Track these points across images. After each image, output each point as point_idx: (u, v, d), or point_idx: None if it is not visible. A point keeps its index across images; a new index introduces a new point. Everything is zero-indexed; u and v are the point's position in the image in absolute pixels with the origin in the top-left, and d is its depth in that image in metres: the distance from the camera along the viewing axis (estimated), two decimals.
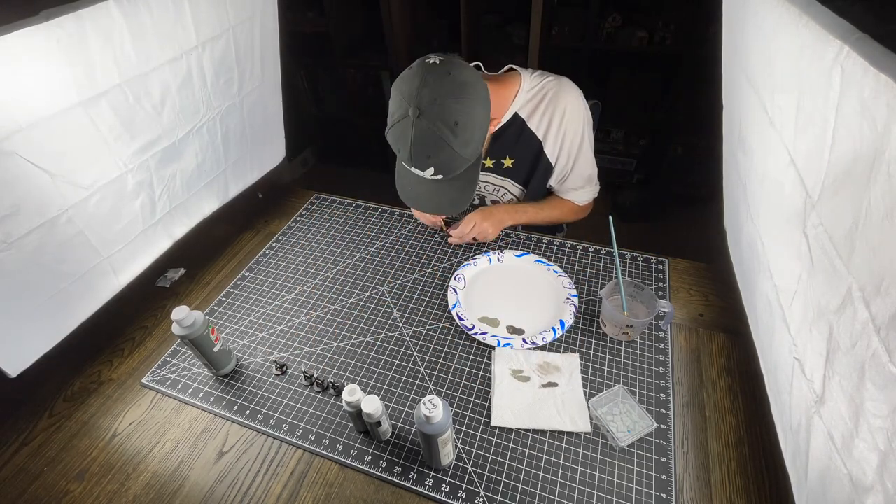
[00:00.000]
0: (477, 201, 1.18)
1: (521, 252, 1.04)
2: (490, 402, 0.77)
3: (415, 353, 0.87)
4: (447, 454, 0.68)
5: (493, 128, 0.99)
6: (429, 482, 0.69)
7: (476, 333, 0.87)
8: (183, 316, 0.74)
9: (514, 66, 1.01)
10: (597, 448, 0.71)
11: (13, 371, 0.77)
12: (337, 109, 2.73)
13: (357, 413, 0.70)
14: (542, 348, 0.85)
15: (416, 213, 1.13)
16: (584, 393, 0.77)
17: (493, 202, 1.16)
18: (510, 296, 0.95)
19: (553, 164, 1.04)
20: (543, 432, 0.74)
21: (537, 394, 0.77)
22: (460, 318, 0.90)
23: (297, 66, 2.59)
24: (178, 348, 0.91)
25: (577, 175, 1.06)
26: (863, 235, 0.38)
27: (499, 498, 0.67)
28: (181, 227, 1.05)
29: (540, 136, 1.01)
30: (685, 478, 0.68)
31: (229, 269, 1.10)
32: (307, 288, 1.02)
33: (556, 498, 0.66)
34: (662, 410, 0.75)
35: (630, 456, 0.70)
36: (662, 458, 0.70)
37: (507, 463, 0.71)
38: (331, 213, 1.22)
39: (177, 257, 1.07)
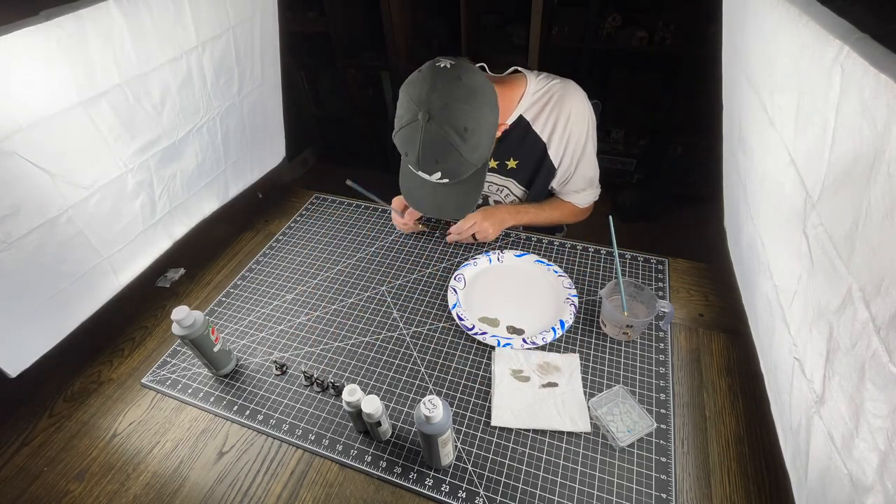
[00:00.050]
0: (480, 201, 1.18)
1: (521, 252, 1.04)
2: (490, 402, 0.77)
3: (415, 353, 0.87)
4: (447, 454, 0.68)
5: (499, 132, 0.99)
6: (429, 482, 0.69)
7: (476, 333, 0.87)
8: (183, 316, 0.74)
9: (518, 68, 1.01)
10: (597, 448, 0.71)
11: (13, 371, 0.77)
12: (337, 109, 2.73)
13: (357, 413, 0.70)
14: (542, 348, 0.85)
15: (395, 219, 1.11)
16: (584, 393, 0.77)
17: (496, 202, 1.16)
18: (510, 296, 0.95)
19: (556, 166, 1.05)
20: (543, 432, 0.74)
21: (537, 394, 0.77)
22: (460, 318, 0.90)
23: (297, 66, 2.59)
24: (178, 348, 0.91)
25: (579, 178, 1.07)
26: (863, 235, 0.38)
27: (499, 498, 0.67)
28: (181, 227, 1.05)
29: (544, 139, 1.01)
30: (685, 478, 0.68)
31: (229, 269, 1.10)
32: (307, 288, 1.02)
33: (556, 498, 0.66)
34: (662, 410, 0.75)
35: (630, 456, 0.70)
36: (662, 458, 0.70)
37: (507, 463, 0.71)
38: (331, 213, 1.22)
39: (177, 257, 1.07)
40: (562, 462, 0.70)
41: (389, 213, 1.20)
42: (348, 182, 0.98)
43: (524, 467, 0.70)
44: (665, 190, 2.33)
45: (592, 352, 0.84)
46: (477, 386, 0.81)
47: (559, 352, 0.84)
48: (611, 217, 0.85)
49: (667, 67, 2.09)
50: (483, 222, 1.03)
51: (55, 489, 0.73)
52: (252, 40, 1.03)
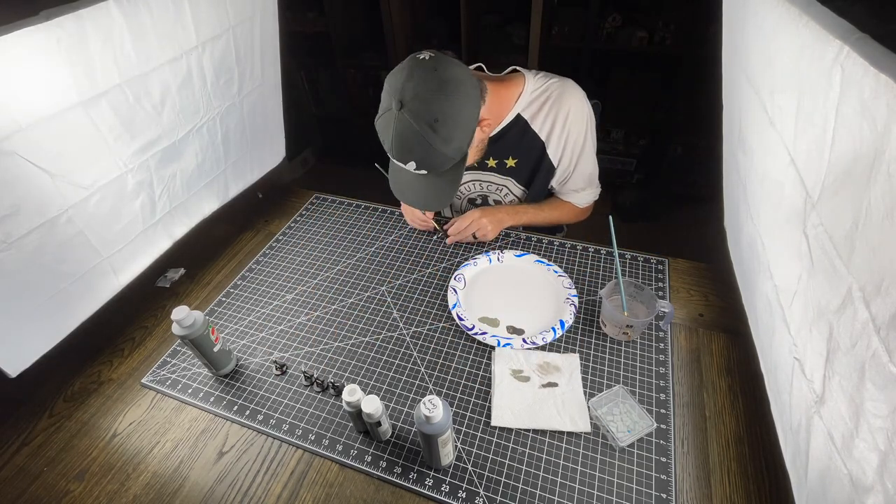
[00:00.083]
0: (479, 201, 1.18)
1: (521, 252, 1.04)
2: (490, 402, 0.77)
3: (415, 353, 0.87)
4: (447, 454, 0.68)
5: (492, 129, 0.98)
6: (429, 482, 0.69)
7: (476, 333, 0.87)
8: (183, 316, 0.74)
9: (517, 68, 1.01)
10: (597, 448, 0.71)
11: (13, 371, 0.77)
12: (337, 109, 2.73)
13: (357, 413, 0.70)
14: (542, 348, 0.85)
15: (407, 216, 1.13)
16: (584, 393, 0.77)
17: (496, 202, 1.16)
18: (510, 296, 0.95)
19: (555, 165, 1.05)
20: (543, 432, 0.74)
21: (537, 394, 0.77)
22: (460, 318, 0.90)
23: (297, 66, 2.59)
24: (178, 348, 0.91)
25: (578, 176, 1.06)
26: (863, 235, 0.38)
27: (499, 498, 0.67)
28: (181, 227, 1.05)
29: (543, 138, 1.01)
30: (685, 478, 0.68)
31: (229, 269, 1.10)
32: (307, 288, 1.02)
33: (556, 498, 0.66)
34: (662, 410, 0.75)
35: (630, 456, 0.70)
36: (662, 458, 0.70)
37: (507, 463, 0.71)
38: (331, 213, 1.22)
39: (177, 257, 1.07)
40: (562, 462, 0.70)
41: (389, 213, 1.20)
42: (377, 165, 0.99)
43: (524, 467, 0.70)
44: (665, 190, 2.33)
45: (592, 352, 0.84)
46: (477, 386, 0.81)
47: (559, 352, 0.84)
48: (611, 217, 0.85)
49: (667, 67, 2.09)
50: (482, 219, 1.03)
51: (55, 489, 0.73)
52: (252, 40, 1.03)
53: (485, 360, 0.84)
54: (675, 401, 0.77)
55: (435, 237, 1.11)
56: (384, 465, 0.72)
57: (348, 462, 0.72)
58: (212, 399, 0.82)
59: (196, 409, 0.82)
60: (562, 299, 0.92)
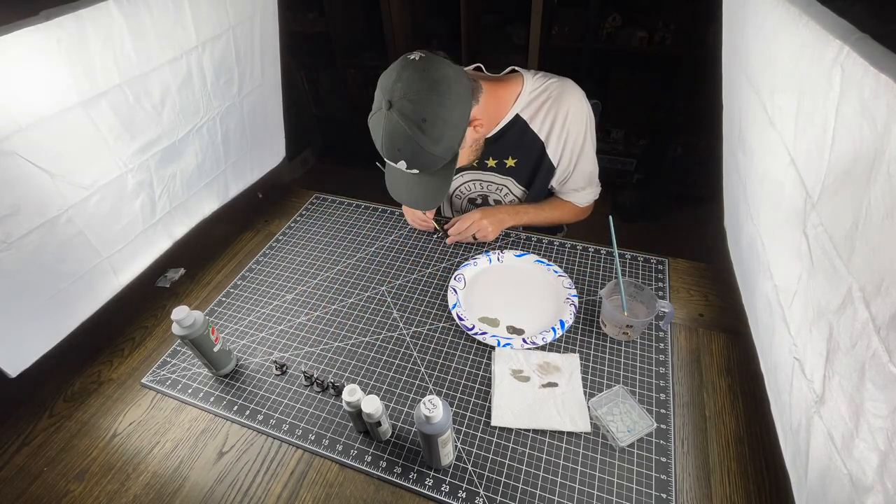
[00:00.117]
0: (479, 201, 1.18)
1: (521, 252, 1.04)
2: (490, 402, 0.77)
3: (415, 353, 0.87)
4: (447, 454, 0.68)
5: (488, 131, 0.98)
6: (429, 482, 0.69)
7: (476, 333, 0.87)
8: (183, 316, 0.74)
9: (516, 68, 1.01)
10: (597, 448, 0.71)
11: (13, 371, 0.77)
12: (337, 109, 2.73)
13: (357, 413, 0.70)
14: (542, 348, 0.85)
15: (408, 216, 1.13)
16: (584, 393, 0.77)
17: (496, 202, 1.16)
18: (510, 296, 0.95)
19: (555, 165, 1.05)
20: (543, 432, 0.74)
21: (537, 394, 0.77)
22: (460, 318, 0.90)
23: (297, 66, 2.59)
24: (178, 348, 0.91)
25: (578, 176, 1.07)
26: (863, 235, 0.38)
27: (499, 498, 0.67)
28: (181, 227, 1.05)
29: (542, 138, 1.01)
30: (685, 478, 0.68)
31: (229, 269, 1.10)
32: (307, 288, 1.02)
33: (556, 498, 0.66)
34: (662, 410, 0.75)
35: (630, 456, 0.70)
36: (662, 458, 0.70)
37: (507, 463, 0.71)
38: (331, 213, 1.22)
39: (177, 257, 1.07)
40: (562, 462, 0.70)
41: (389, 213, 1.20)
42: (378, 164, 0.99)
43: (524, 467, 0.70)
44: (665, 190, 2.33)
45: (592, 352, 0.84)
46: (477, 386, 0.81)
47: (559, 352, 0.84)
48: (611, 217, 0.85)
49: (667, 67, 2.09)
50: (482, 220, 1.03)
51: (55, 489, 0.73)
52: (252, 40, 1.03)
53: (485, 360, 0.84)
54: (675, 401, 0.77)
55: (435, 237, 1.11)
56: (384, 465, 0.72)
57: (348, 462, 0.72)
58: (212, 399, 0.82)
59: (196, 409, 0.82)
60: (562, 299, 0.92)
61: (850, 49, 0.37)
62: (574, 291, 0.93)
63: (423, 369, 0.84)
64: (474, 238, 1.06)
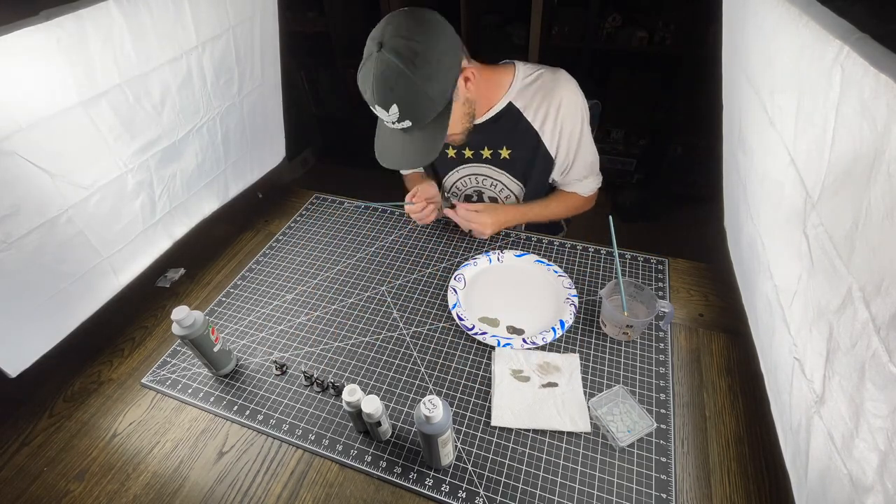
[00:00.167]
0: (475, 198, 1.18)
1: (521, 252, 1.04)
2: (490, 402, 0.77)
3: (415, 353, 0.87)
4: (447, 454, 0.68)
5: (482, 113, 0.98)
6: (429, 482, 0.69)
7: (476, 333, 0.87)
8: (183, 316, 0.74)
9: (510, 60, 1.02)
10: (597, 448, 0.71)
11: (13, 371, 0.77)
12: (337, 109, 2.73)
13: (357, 413, 0.70)
14: (542, 348, 0.85)
15: (407, 209, 1.08)
16: (584, 393, 0.77)
17: (492, 199, 1.16)
18: (510, 296, 0.95)
19: (553, 156, 1.05)
20: (543, 432, 0.74)
21: (537, 394, 0.77)
22: (460, 318, 0.90)
23: (297, 66, 2.59)
24: (178, 348, 0.91)
25: (580, 166, 1.07)
26: (863, 235, 0.38)
27: (499, 498, 0.67)
28: (181, 227, 1.05)
29: (537, 127, 1.01)
30: (685, 478, 0.68)
31: (229, 269, 1.10)
32: (307, 288, 1.02)
33: (556, 498, 0.66)
34: (662, 410, 0.75)
35: (630, 456, 0.70)
36: (662, 458, 0.70)
37: (507, 463, 0.71)
38: (331, 213, 1.22)
39: (177, 257, 1.07)
40: (562, 462, 0.70)
41: (389, 213, 1.20)
42: (364, 204, 0.99)
43: (524, 467, 0.70)
44: (665, 190, 2.33)
45: (592, 352, 0.84)
46: (477, 386, 0.81)
47: (559, 352, 0.84)
48: (611, 217, 0.85)
49: (667, 67, 2.09)
50: (483, 214, 1.02)
51: (55, 489, 0.73)
52: (252, 40, 1.03)
53: (485, 360, 0.84)
54: (675, 401, 0.77)
55: (436, 235, 1.11)
56: (384, 465, 0.72)
57: (348, 462, 0.72)
58: (212, 399, 0.82)
59: (196, 409, 0.82)
60: (562, 299, 0.92)
61: (850, 49, 0.37)
62: (574, 291, 0.93)
63: (423, 369, 0.84)
64: (470, 232, 1.06)
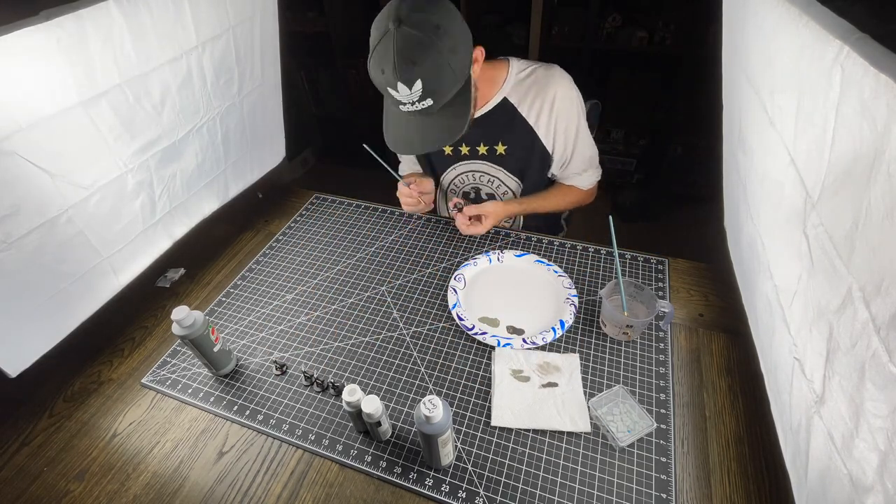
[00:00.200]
0: (473, 195, 1.18)
1: (521, 252, 1.04)
2: (490, 402, 0.77)
3: (415, 353, 0.87)
4: (447, 454, 0.68)
5: (479, 108, 0.98)
6: (429, 482, 0.69)
7: (476, 333, 0.87)
8: (183, 316, 0.74)
9: (504, 57, 1.02)
10: (597, 448, 0.71)
11: (13, 371, 0.77)
12: (337, 109, 2.73)
13: (357, 413, 0.70)
14: (542, 348, 0.85)
15: (400, 189, 1.08)
16: (584, 393, 0.77)
17: (489, 195, 1.16)
18: (510, 296, 0.95)
19: (550, 151, 1.05)
20: (543, 432, 0.74)
21: (537, 394, 0.77)
22: (460, 318, 0.90)
23: (297, 66, 2.59)
24: (178, 348, 0.91)
25: (578, 160, 1.07)
26: (863, 235, 0.38)
27: (499, 498, 0.67)
28: (181, 227, 1.05)
29: (532, 123, 1.01)
30: (685, 478, 0.68)
31: (229, 269, 1.10)
32: (307, 288, 1.02)
33: (556, 498, 0.66)
34: (662, 410, 0.75)
35: (630, 456, 0.70)
36: (662, 458, 0.70)
37: (507, 463, 0.71)
38: (331, 213, 1.22)
39: (177, 257, 1.07)
40: (562, 462, 0.70)
41: (389, 213, 1.20)
42: (365, 146, 0.97)
43: (524, 467, 0.70)
44: (665, 190, 2.33)
45: (592, 352, 0.84)
46: (477, 386, 0.81)
47: (559, 352, 0.84)
48: (611, 217, 0.85)
49: (667, 67, 2.09)
50: (487, 205, 1.03)
51: (55, 489, 0.73)
52: (252, 40, 1.03)
53: (485, 360, 0.84)
54: (675, 401, 0.77)
55: (436, 236, 1.11)
56: (384, 465, 0.72)
57: (348, 462, 0.72)
58: (212, 399, 0.82)
59: (196, 409, 0.82)
60: (562, 299, 0.92)
61: (850, 49, 0.37)
62: (574, 291, 0.93)
63: (423, 369, 0.84)
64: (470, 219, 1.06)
